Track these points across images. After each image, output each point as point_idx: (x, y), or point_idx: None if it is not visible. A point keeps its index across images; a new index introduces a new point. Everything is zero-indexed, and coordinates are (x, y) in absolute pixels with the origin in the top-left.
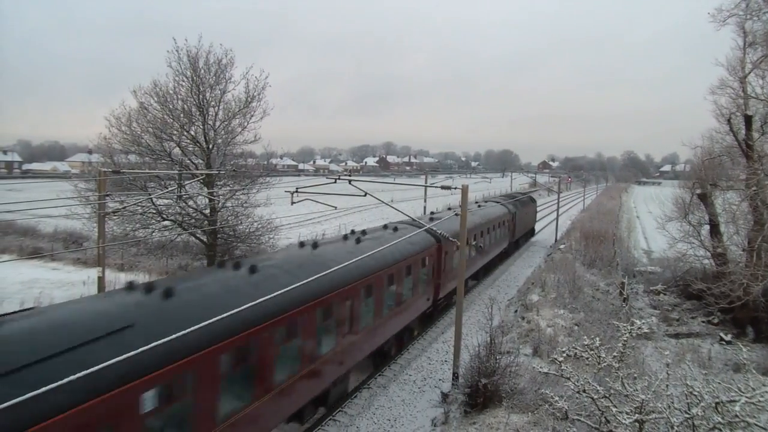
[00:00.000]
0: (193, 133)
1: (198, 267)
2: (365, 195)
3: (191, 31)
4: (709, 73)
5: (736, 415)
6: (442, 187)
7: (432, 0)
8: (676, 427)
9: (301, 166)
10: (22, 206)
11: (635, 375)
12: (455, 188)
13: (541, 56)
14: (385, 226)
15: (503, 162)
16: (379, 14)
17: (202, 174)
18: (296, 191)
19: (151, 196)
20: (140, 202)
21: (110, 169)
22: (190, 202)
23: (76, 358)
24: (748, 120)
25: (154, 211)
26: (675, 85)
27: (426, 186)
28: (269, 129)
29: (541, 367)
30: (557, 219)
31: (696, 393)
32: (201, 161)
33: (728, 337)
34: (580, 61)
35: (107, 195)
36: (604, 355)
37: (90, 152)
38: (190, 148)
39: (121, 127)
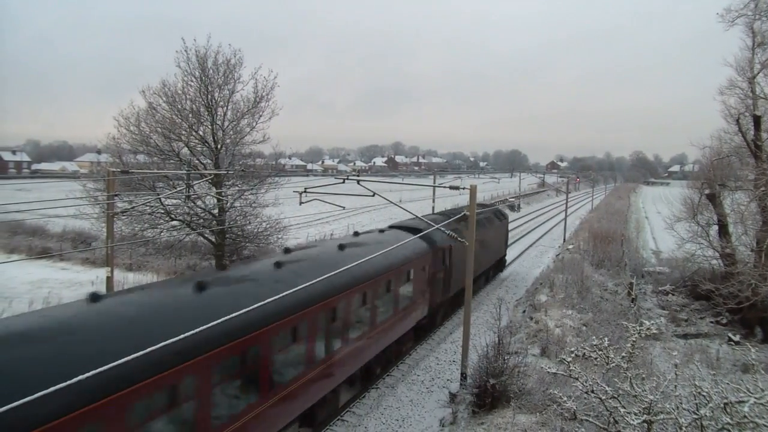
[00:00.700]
0: (201, 133)
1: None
2: (373, 195)
3: (204, 32)
4: (719, 75)
5: (745, 416)
6: (451, 188)
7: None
8: (684, 428)
9: (309, 166)
10: (32, 206)
11: (643, 375)
12: (464, 188)
13: (552, 56)
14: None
15: (512, 162)
16: (390, 14)
17: (210, 174)
18: (305, 191)
19: (160, 196)
20: (149, 202)
21: (119, 169)
22: (199, 202)
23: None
24: (756, 120)
25: (163, 211)
26: (684, 85)
27: (434, 186)
28: (278, 129)
29: (549, 368)
30: (566, 219)
31: (704, 394)
32: (209, 161)
33: (737, 338)
34: (590, 61)
35: (116, 195)
36: (612, 356)
37: (99, 152)
38: (199, 148)
39: (129, 127)
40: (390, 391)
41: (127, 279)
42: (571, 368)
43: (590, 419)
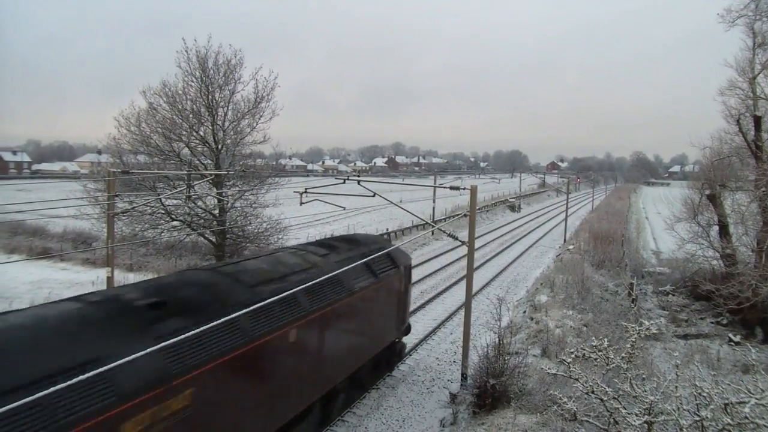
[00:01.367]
0: (202, 133)
1: None
2: (374, 195)
3: (208, 33)
4: (719, 75)
5: (746, 417)
6: (451, 188)
7: (447, 4)
8: (685, 429)
9: (310, 166)
10: (32, 206)
11: (644, 376)
12: (464, 189)
13: (553, 56)
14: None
15: (512, 162)
16: (393, 15)
17: (211, 174)
18: (305, 192)
19: (160, 197)
20: (149, 202)
21: (119, 170)
22: (199, 203)
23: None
24: (757, 121)
25: (163, 212)
26: (687, 88)
27: (435, 186)
28: (279, 129)
29: (549, 368)
30: (566, 219)
31: (705, 394)
32: (210, 161)
33: (737, 338)
34: (590, 62)
35: (116, 195)
36: (612, 356)
37: (99, 152)
38: (199, 149)
39: (130, 128)
40: (390, 392)
41: (127, 279)
42: (571, 369)
43: (591, 420)
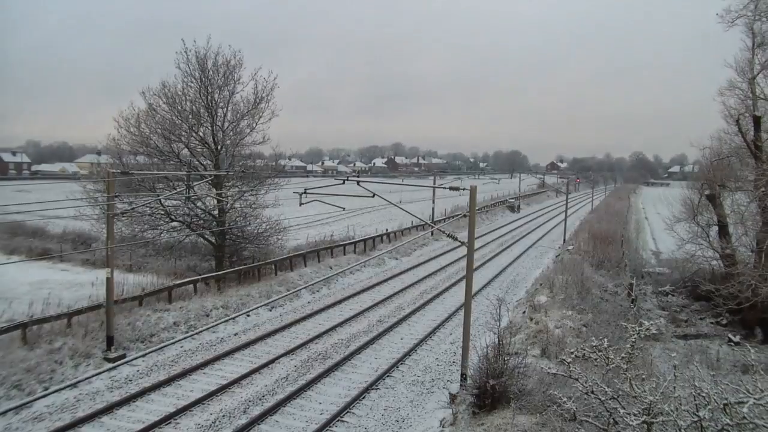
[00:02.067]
0: (201, 134)
1: None
2: (373, 196)
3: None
4: (719, 76)
5: (745, 417)
6: (451, 188)
7: (448, 6)
8: (684, 429)
9: (309, 167)
10: (32, 207)
11: (643, 376)
12: (464, 189)
13: (554, 57)
14: None
15: (512, 163)
16: (395, 15)
17: (210, 175)
18: (305, 192)
19: (160, 197)
20: (149, 203)
21: (119, 171)
22: (199, 203)
23: None
24: (756, 121)
25: (163, 212)
26: (687, 89)
27: (434, 187)
28: (279, 130)
29: (549, 368)
30: (565, 220)
31: (704, 394)
32: (209, 162)
33: (736, 339)
34: (591, 62)
35: (116, 196)
36: (612, 356)
37: (99, 153)
38: (199, 149)
39: (129, 128)
40: (390, 392)
41: (127, 280)
42: (571, 369)
43: (590, 420)
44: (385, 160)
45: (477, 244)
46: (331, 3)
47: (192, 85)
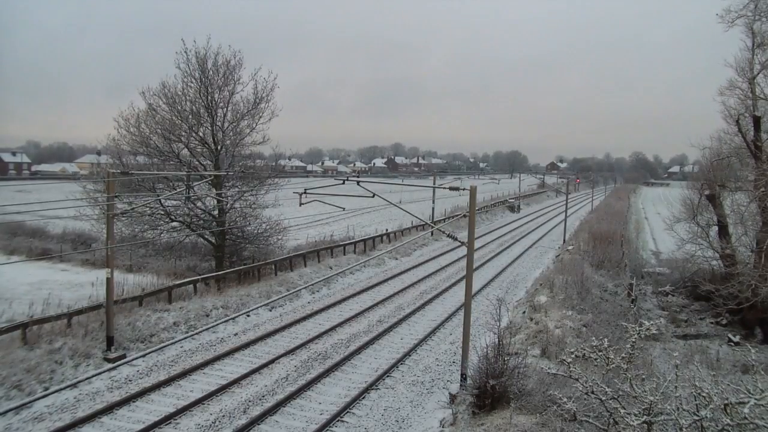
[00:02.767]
0: (201, 134)
1: None
2: (373, 196)
3: (212, 34)
4: (719, 75)
5: (745, 417)
6: (451, 188)
7: (450, 4)
8: (684, 429)
9: (309, 167)
10: (32, 207)
11: (643, 376)
12: (464, 189)
13: (553, 60)
14: None
15: (511, 163)
16: (397, 17)
17: (210, 175)
18: (305, 192)
19: (160, 198)
20: (149, 203)
21: (119, 171)
22: (199, 204)
23: None
24: (756, 121)
25: (163, 213)
26: (687, 88)
27: (434, 187)
28: (280, 130)
29: (549, 369)
30: (565, 220)
31: (705, 394)
32: (209, 162)
33: (736, 339)
34: (591, 64)
35: (116, 196)
36: (612, 357)
37: (99, 153)
38: (199, 150)
39: (129, 129)
40: (390, 392)
41: (127, 280)
42: (571, 369)
43: (590, 420)
44: (385, 160)
45: (477, 244)
46: (333, 5)
47: (192, 85)
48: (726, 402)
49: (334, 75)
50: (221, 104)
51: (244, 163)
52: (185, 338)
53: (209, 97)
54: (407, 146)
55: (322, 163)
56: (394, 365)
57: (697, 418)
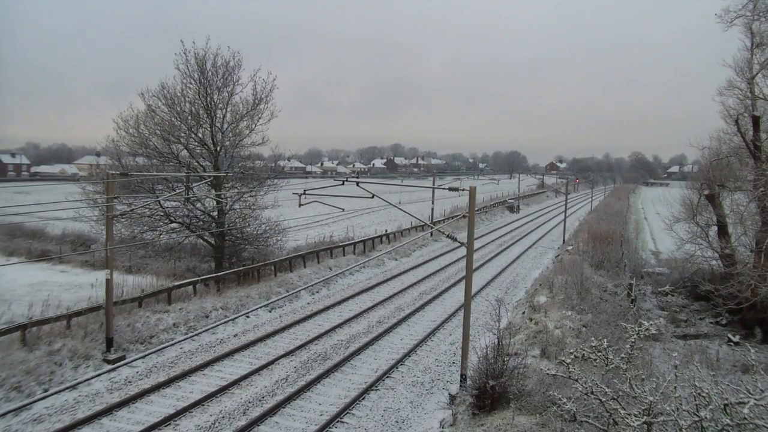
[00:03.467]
0: (200, 135)
1: None
2: (373, 197)
3: (213, 35)
4: (718, 75)
5: (745, 417)
6: (450, 189)
7: (450, 3)
8: (684, 430)
9: (308, 168)
10: (31, 209)
11: (643, 376)
12: (463, 189)
13: (553, 60)
14: None
15: (511, 163)
16: (396, 18)
17: (209, 176)
18: (304, 193)
19: (159, 199)
20: (148, 204)
21: (118, 172)
22: (198, 205)
23: None
24: (755, 121)
25: (162, 214)
26: (686, 89)
27: (434, 188)
28: (279, 131)
29: (548, 369)
30: (565, 220)
31: (704, 395)
32: (209, 163)
33: (736, 338)
34: (591, 64)
35: (115, 197)
36: (612, 357)
37: (98, 155)
38: (198, 151)
39: (128, 130)
40: (390, 393)
41: (126, 281)
42: (570, 369)
43: (590, 420)
44: (385, 160)
45: (476, 244)
46: (333, 7)
47: (191, 86)
48: (726, 402)
49: (334, 75)
50: (220, 105)
51: (243, 164)
52: (185, 339)
53: (208, 98)
54: (406, 147)
55: (322, 164)
56: (394, 366)
57: (696, 418)
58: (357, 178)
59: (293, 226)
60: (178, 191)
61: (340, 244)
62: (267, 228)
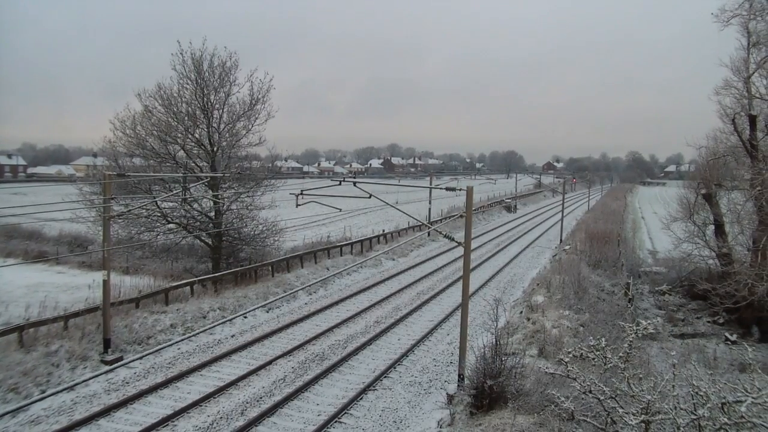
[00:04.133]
0: (197, 135)
1: None
2: (370, 197)
3: (212, 36)
4: (714, 75)
5: (742, 416)
6: (447, 189)
7: (448, 4)
8: (682, 428)
9: (305, 168)
10: (28, 210)
11: (641, 375)
12: (460, 189)
13: (550, 60)
14: None
15: (508, 163)
16: (396, 18)
17: (206, 177)
18: (301, 193)
19: (156, 199)
20: (145, 205)
21: (115, 173)
22: (195, 205)
23: None
24: (752, 120)
25: (159, 214)
26: (683, 88)
27: (431, 188)
28: (276, 132)
29: (546, 368)
30: (562, 220)
31: (702, 393)
32: (206, 164)
33: (733, 337)
34: (588, 64)
35: (112, 198)
36: (609, 356)
37: (95, 155)
38: (195, 151)
39: (125, 130)
40: (388, 393)
41: (123, 282)
42: (568, 368)
43: (588, 419)
44: (382, 160)
45: (474, 244)
46: (331, 7)
47: (188, 86)
48: (723, 401)
49: (332, 76)
50: (217, 106)
51: (240, 165)
52: (182, 340)
53: (205, 99)
54: (404, 147)
55: (319, 164)
56: (392, 366)
57: (694, 417)
58: (354, 178)
59: (290, 227)
60: (175, 192)
61: (338, 244)
62: (264, 228)
